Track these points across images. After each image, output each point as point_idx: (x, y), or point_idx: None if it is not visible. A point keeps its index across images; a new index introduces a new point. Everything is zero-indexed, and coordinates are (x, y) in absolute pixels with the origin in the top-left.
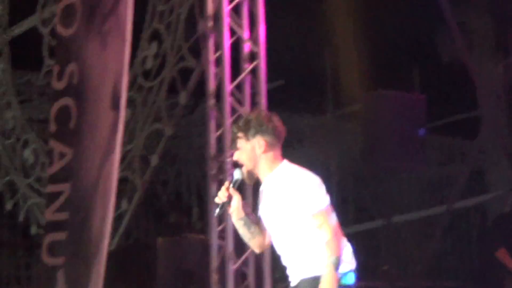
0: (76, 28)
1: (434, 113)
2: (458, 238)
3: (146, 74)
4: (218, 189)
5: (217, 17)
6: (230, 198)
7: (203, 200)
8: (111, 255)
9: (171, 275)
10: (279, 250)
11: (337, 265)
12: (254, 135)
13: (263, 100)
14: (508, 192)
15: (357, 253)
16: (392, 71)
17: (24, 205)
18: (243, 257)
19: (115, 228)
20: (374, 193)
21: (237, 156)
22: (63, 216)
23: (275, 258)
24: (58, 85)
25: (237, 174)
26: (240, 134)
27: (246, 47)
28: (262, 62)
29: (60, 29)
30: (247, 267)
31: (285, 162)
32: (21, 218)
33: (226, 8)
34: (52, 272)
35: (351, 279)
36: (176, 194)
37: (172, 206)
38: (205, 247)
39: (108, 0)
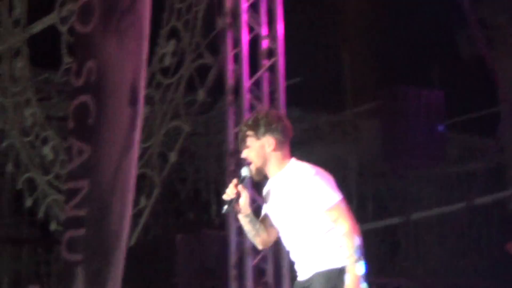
0: (94, 25)
1: (453, 109)
2: (478, 234)
3: (164, 72)
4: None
5: (235, 14)
6: (238, 195)
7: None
8: (130, 251)
9: (190, 271)
10: (288, 246)
11: (358, 254)
12: (264, 134)
13: (281, 97)
14: None
15: (376, 249)
16: (412, 67)
17: (44, 202)
18: (262, 253)
19: (134, 225)
20: (393, 190)
21: (246, 154)
22: (82, 212)
23: None
24: (77, 82)
25: (245, 171)
26: (249, 133)
27: (264, 43)
28: (280, 58)
29: (78, 27)
30: (266, 263)
31: (294, 160)
32: (40, 215)
33: (244, 4)
34: (72, 268)
35: (361, 269)
36: (195, 191)
37: (191, 203)
38: (224, 243)
39: None
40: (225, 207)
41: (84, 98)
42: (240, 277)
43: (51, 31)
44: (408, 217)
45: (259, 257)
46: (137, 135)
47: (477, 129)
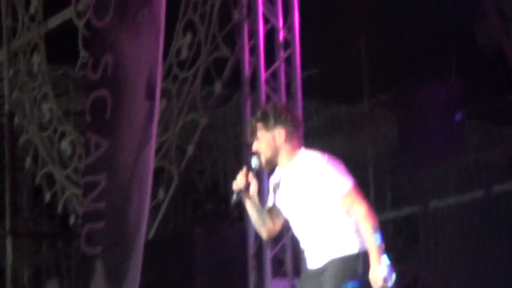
0: (110, 19)
1: (471, 98)
2: (497, 222)
3: (181, 65)
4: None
5: (251, 5)
6: (247, 184)
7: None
8: (149, 244)
9: (209, 263)
10: (300, 235)
11: (378, 235)
12: (274, 125)
13: (298, 89)
14: None
15: (394, 239)
16: (429, 57)
17: (62, 196)
18: (280, 244)
19: (152, 218)
20: (412, 179)
21: (256, 146)
22: (100, 206)
23: None
24: (93, 76)
25: (254, 162)
26: (259, 125)
27: (280, 35)
28: (296, 50)
29: (94, 21)
30: (284, 253)
31: (304, 149)
32: (59, 209)
33: None
34: (91, 261)
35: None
36: (213, 183)
37: (209, 195)
38: (242, 235)
39: None
40: (234, 196)
41: (101, 92)
42: (259, 267)
43: (68, 25)
44: (426, 206)
45: (277, 247)
46: (154, 129)
47: (496, 117)
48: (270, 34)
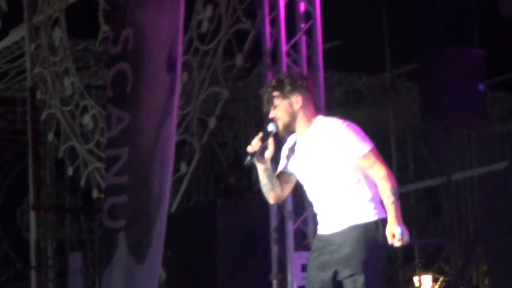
0: None
1: (494, 69)
2: None
3: (202, 38)
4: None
5: None
6: (262, 148)
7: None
8: (171, 217)
9: (232, 236)
10: (316, 199)
11: (396, 195)
12: (290, 92)
13: (319, 60)
14: None
15: (417, 211)
16: (451, 27)
17: (85, 170)
18: (303, 217)
19: (175, 191)
20: (434, 151)
21: (273, 114)
22: (122, 179)
23: None
24: (114, 50)
25: (271, 127)
26: (275, 93)
27: (301, 6)
28: (317, 21)
29: None
30: (307, 226)
31: (321, 116)
32: (82, 183)
33: None
34: (114, 235)
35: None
36: (235, 156)
37: (231, 168)
38: (265, 208)
39: None
40: (248, 158)
41: (122, 66)
42: (281, 240)
43: (88, 0)
44: (449, 178)
45: (299, 220)
46: (176, 102)
47: None
48: (291, 6)
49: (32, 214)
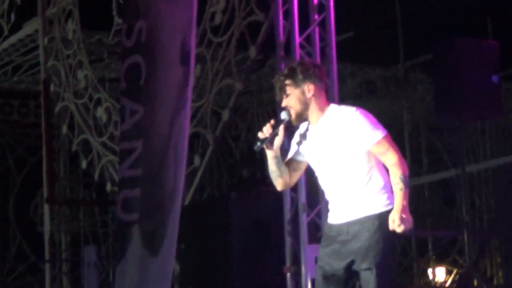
0: None
1: (508, 60)
2: None
3: (215, 30)
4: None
5: None
6: (273, 135)
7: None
8: (185, 210)
9: (246, 228)
10: (329, 188)
11: (406, 182)
12: (303, 80)
13: (332, 52)
14: None
15: (431, 203)
16: (465, 18)
17: (99, 163)
18: (316, 209)
19: (188, 184)
20: (448, 143)
21: (285, 102)
22: (136, 172)
23: None
24: (127, 43)
25: (284, 115)
26: (288, 81)
27: None
28: (331, 13)
29: None
30: (320, 219)
31: (334, 104)
32: (96, 176)
33: None
34: (127, 228)
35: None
36: (248, 148)
37: (245, 160)
38: (278, 200)
39: None
40: (258, 143)
41: (135, 58)
42: (295, 233)
43: None
44: (463, 170)
45: (313, 213)
46: (189, 94)
47: None
48: None
49: (46, 208)
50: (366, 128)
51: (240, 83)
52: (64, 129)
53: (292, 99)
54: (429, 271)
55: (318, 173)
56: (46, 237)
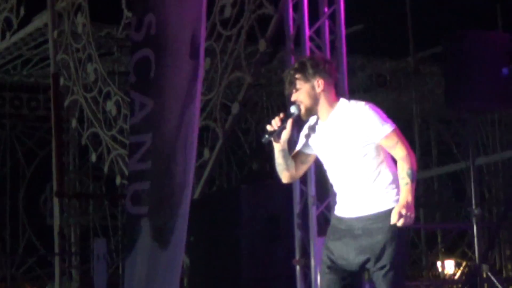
0: None
1: None
2: None
3: (225, 23)
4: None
5: None
6: (281, 129)
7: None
8: (194, 203)
9: (255, 221)
10: (339, 182)
11: (412, 177)
12: (313, 75)
13: (342, 45)
14: None
15: (440, 195)
16: (475, 10)
17: (108, 156)
18: (326, 202)
19: (198, 177)
20: (457, 135)
21: (295, 96)
22: (146, 165)
23: None
24: (137, 36)
25: (293, 109)
26: (298, 76)
27: None
28: (340, 6)
29: None
30: (330, 212)
31: (343, 99)
32: (105, 170)
33: None
34: (137, 221)
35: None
36: (258, 142)
37: (254, 154)
38: (288, 193)
39: None
40: (266, 136)
41: (145, 52)
42: (305, 226)
43: None
44: (473, 162)
45: (323, 206)
46: (199, 88)
47: None
48: None
49: (56, 201)
50: (375, 122)
51: (250, 76)
52: (74, 122)
53: (301, 93)
54: (438, 263)
55: (327, 167)
56: (56, 230)
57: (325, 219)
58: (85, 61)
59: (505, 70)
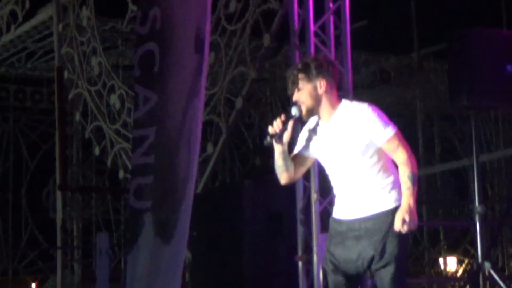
0: None
1: None
2: None
3: (229, 17)
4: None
5: None
6: (282, 130)
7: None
8: (197, 197)
9: (258, 217)
10: (340, 185)
11: (414, 181)
12: (316, 76)
13: (347, 41)
14: None
15: (443, 192)
16: (480, 8)
17: (112, 150)
18: (329, 198)
19: (201, 171)
20: (461, 132)
21: (297, 96)
22: (149, 160)
23: None
24: (142, 30)
25: (294, 110)
26: (301, 75)
27: None
28: (345, 1)
29: None
30: (333, 208)
31: (345, 100)
32: (109, 163)
33: None
34: (140, 215)
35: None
36: (261, 137)
37: (257, 149)
38: (291, 189)
39: None
40: (268, 138)
41: (149, 46)
42: (307, 222)
43: None
44: (477, 159)
45: (326, 201)
46: (203, 82)
47: None
48: None
49: (59, 194)
50: (377, 126)
51: (254, 71)
52: (77, 116)
53: (303, 93)
54: (441, 260)
55: (328, 169)
56: (58, 224)
57: (328, 215)
58: (90, 54)
59: (509, 68)
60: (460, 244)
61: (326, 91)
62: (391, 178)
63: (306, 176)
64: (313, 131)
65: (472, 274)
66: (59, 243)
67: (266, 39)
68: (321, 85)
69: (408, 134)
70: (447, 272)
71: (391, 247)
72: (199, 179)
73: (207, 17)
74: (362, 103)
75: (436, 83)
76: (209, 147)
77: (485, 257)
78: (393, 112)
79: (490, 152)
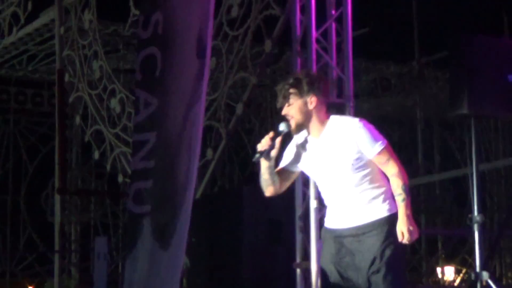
0: None
1: None
2: None
3: (231, 23)
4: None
5: None
6: (271, 147)
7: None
8: (196, 203)
9: (257, 223)
10: (331, 197)
11: (407, 192)
12: (307, 92)
13: (348, 48)
14: None
15: (442, 201)
16: (481, 16)
17: (111, 154)
18: None
19: (200, 176)
20: (461, 141)
21: (286, 111)
22: (149, 164)
23: None
24: (144, 34)
25: (282, 126)
26: (292, 91)
27: None
28: (348, 9)
29: None
30: None
31: (333, 116)
32: (108, 167)
33: None
34: (138, 220)
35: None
36: None
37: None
38: (290, 195)
39: None
40: (257, 155)
41: (151, 50)
42: (306, 229)
43: None
44: (476, 168)
45: (324, 209)
46: (204, 87)
47: None
48: None
49: (57, 198)
50: (368, 140)
51: (255, 77)
52: (78, 119)
53: (293, 108)
54: (438, 270)
55: (319, 183)
56: (57, 227)
57: None
58: (91, 58)
59: (510, 77)
60: (458, 254)
61: (315, 108)
62: (383, 188)
63: (305, 183)
64: (301, 147)
65: (470, 284)
66: (57, 247)
67: (268, 45)
68: (311, 101)
69: (408, 143)
70: (444, 282)
71: (388, 253)
72: (199, 184)
73: (209, 22)
74: (353, 118)
75: (436, 91)
76: (209, 153)
77: (483, 266)
78: (393, 119)
79: (489, 162)
